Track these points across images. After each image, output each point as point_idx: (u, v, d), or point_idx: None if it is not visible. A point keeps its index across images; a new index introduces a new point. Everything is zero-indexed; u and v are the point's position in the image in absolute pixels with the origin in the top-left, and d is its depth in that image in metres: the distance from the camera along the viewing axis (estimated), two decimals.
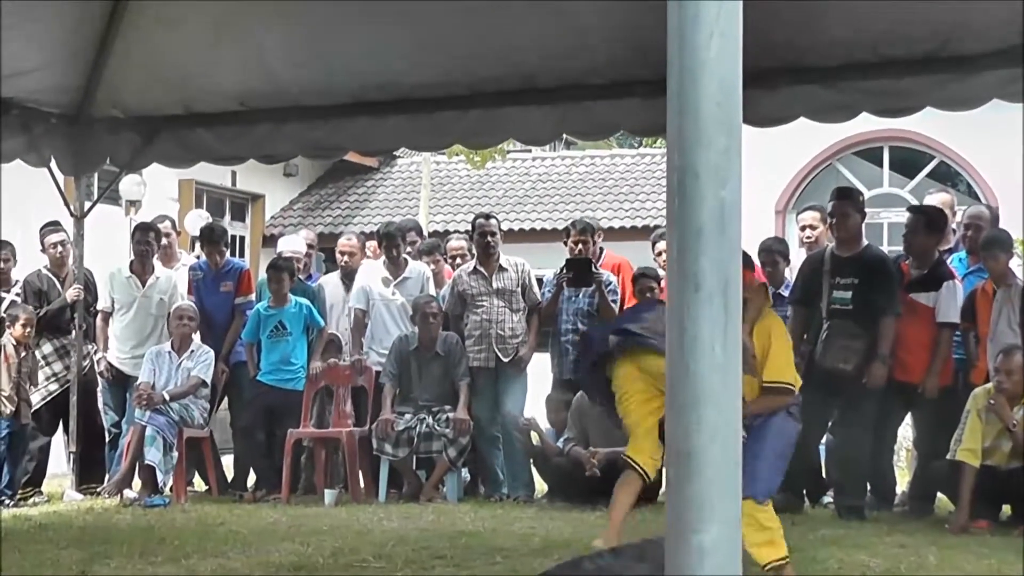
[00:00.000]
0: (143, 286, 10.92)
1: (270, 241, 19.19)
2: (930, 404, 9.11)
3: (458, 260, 11.33)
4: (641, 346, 6.47)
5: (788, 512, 8.98)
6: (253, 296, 11.12)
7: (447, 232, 16.39)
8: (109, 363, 10.89)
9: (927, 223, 9.30)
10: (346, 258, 11.36)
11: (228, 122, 10.28)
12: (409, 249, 11.39)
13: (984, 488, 8.40)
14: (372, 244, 11.78)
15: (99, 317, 11.00)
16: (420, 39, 9.05)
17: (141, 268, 10.96)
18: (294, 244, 11.86)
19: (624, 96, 8.74)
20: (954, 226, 10.12)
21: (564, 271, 10.30)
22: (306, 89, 9.73)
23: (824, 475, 9.72)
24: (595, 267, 10.35)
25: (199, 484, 11.19)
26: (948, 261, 9.48)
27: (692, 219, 1.07)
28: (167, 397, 10.27)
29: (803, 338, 9.28)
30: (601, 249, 11.07)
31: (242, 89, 9.89)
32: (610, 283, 10.39)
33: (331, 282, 11.48)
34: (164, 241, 11.36)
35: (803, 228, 10.55)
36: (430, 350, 10.36)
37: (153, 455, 10.04)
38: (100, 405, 11.07)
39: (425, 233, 13.20)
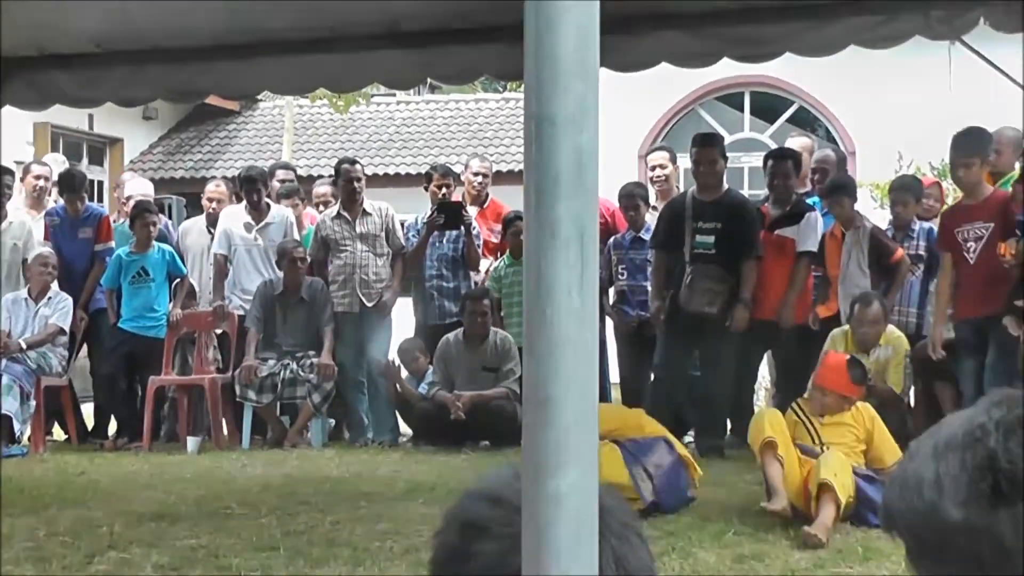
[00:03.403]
0: None
1: None
2: (788, 343, 9.30)
3: (320, 207, 11.27)
4: None
5: None
6: (113, 243, 10.92)
7: (311, 177, 16.25)
8: None
9: (794, 166, 9.52)
10: (214, 204, 11.21)
11: (84, 65, 10.03)
12: (278, 185, 11.33)
13: None
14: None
15: None
16: None
17: None
18: (144, 187, 11.66)
19: (488, 41, 8.70)
20: (809, 171, 10.32)
21: (436, 214, 10.30)
22: (165, 31, 9.53)
23: (685, 415, 9.89)
24: (465, 211, 10.38)
25: (58, 433, 11.02)
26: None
27: (549, 166, 1.07)
28: (24, 345, 10.08)
29: (665, 282, 9.42)
30: (487, 195, 11.10)
31: (98, 30, 9.65)
32: (475, 228, 10.43)
33: (195, 228, 11.34)
34: (40, 184, 11.12)
35: (653, 168, 10.68)
36: (295, 295, 10.30)
37: (9, 404, 9.85)
38: None
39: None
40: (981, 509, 1.20)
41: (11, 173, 10.95)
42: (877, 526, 6.17)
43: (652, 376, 9.77)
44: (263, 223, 10.65)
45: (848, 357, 7.34)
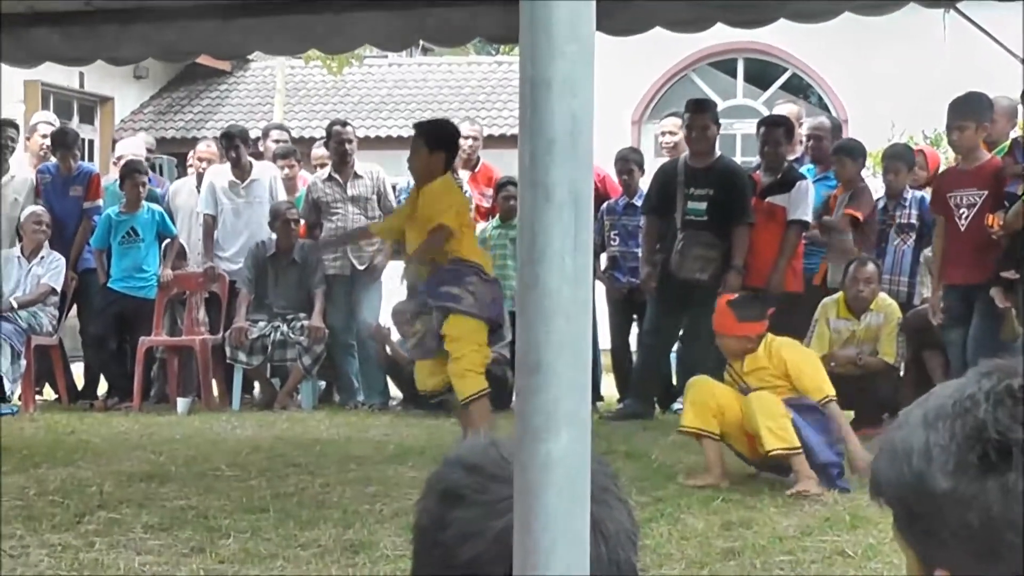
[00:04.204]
0: None
1: None
2: (779, 310, 9.28)
3: (318, 170, 11.26)
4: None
5: (639, 419, 9.17)
6: (101, 201, 10.89)
7: (302, 139, 16.20)
8: None
9: (785, 133, 9.51)
10: (204, 165, 11.18)
11: (75, 22, 9.97)
12: (273, 146, 11.32)
13: None
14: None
15: None
16: None
17: None
18: (135, 147, 11.61)
19: (481, 2, 8.67)
20: (801, 138, 10.32)
21: None
22: None
23: (675, 383, 9.91)
24: (455, 174, 10.34)
25: (48, 393, 11.01)
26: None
27: (544, 129, 1.07)
28: (15, 304, 10.06)
29: (657, 248, 9.42)
30: (478, 158, 11.06)
31: None
32: (466, 192, 10.40)
33: (185, 189, 11.31)
34: (48, 143, 11.09)
35: (663, 134, 10.65)
36: (287, 257, 10.29)
37: (0, 363, 9.84)
38: None
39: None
40: (970, 479, 1.20)
41: (15, 126, 10.95)
42: (841, 488, 6.26)
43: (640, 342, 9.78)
44: (248, 181, 10.63)
45: (732, 297, 7.12)
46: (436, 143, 7.52)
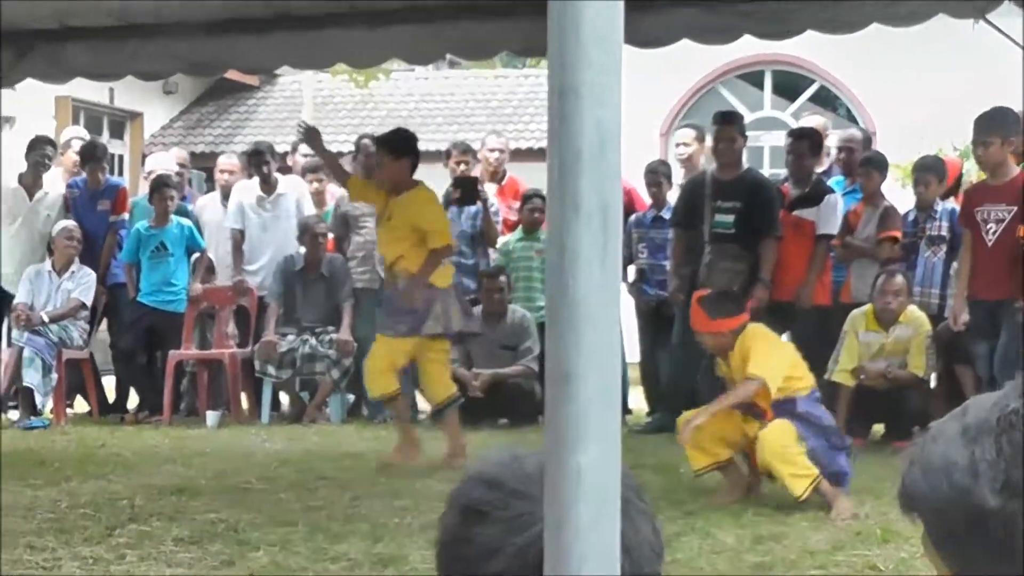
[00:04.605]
0: (31, 200, 10.71)
1: None
2: (808, 324, 9.25)
3: None
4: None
5: (668, 432, 9.13)
6: (127, 215, 10.95)
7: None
8: None
9: (811, 146, 9.47)
10: (226, 176, 11.24)
11: (103, 37, 10.02)
12: (302, 160, 11.37)
13: (858, 407, 8.60)
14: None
15: None
16: None
17: (31, 181, 10.74)
18: (165, 162, 11.68)
19: (507, 16, 8.68)
20: (831, 150, 10.29)
21: (452, 190, 10.29)
22: (185, 4, 9.51)
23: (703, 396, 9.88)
24: (481, 187, 10.36)
25: (80, 406, 11.06)
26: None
27: (572, 139, 1.06)
28: (46, 319, 10.10)
29: (685, 261, 9.39)
30: (505, 171, 11.07)
31: (117, 3, 9.64)
32: (493, 204, 10.41)
33: (212, 203, 11.36)
34: (76, 158, 11.16)
35: (678, 145, 10.66)
36: (315, 271, 10.32)
37: (31, 377, 9.90)
38: None
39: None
40: (1017, 496, 1.18)
41: (52, 144, 11.01)
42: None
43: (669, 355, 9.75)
44: (274, 195, 10.68)
45: (704, 293, 6.98)
46: (398, 151, 7.95)
